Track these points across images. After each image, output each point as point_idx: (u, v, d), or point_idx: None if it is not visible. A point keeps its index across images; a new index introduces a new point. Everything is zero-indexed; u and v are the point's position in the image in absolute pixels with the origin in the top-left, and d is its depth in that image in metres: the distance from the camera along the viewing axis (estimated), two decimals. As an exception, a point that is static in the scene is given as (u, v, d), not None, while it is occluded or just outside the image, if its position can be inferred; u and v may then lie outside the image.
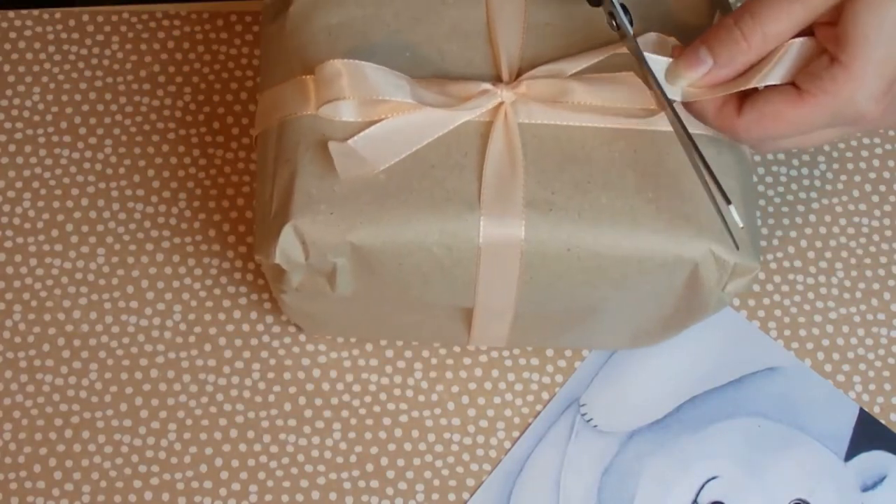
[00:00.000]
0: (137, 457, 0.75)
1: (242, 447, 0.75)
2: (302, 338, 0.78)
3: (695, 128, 0.66)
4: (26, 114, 0.82)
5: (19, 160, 0.81)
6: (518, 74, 0.68)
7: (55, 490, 0.74)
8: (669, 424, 0.76)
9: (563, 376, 0.77)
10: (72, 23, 0.85)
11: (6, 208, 0.80)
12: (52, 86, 0.83)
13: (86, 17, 0.85)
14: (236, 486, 0.74)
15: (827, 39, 0.61)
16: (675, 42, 0.66)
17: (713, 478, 0.75)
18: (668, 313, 0.71)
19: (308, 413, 0.76)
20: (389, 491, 0.75)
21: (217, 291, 0.78)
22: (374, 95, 0.65)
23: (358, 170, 0.65)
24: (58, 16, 0.85)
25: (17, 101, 0.83)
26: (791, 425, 0.76)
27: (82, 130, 0.82)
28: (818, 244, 0.81)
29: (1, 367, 0.76)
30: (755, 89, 0.63)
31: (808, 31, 0.62)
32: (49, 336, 0.77)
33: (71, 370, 0.76)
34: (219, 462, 0.75)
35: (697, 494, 0.75)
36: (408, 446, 0.75)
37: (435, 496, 0.75)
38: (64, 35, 0.84)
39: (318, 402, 0.76)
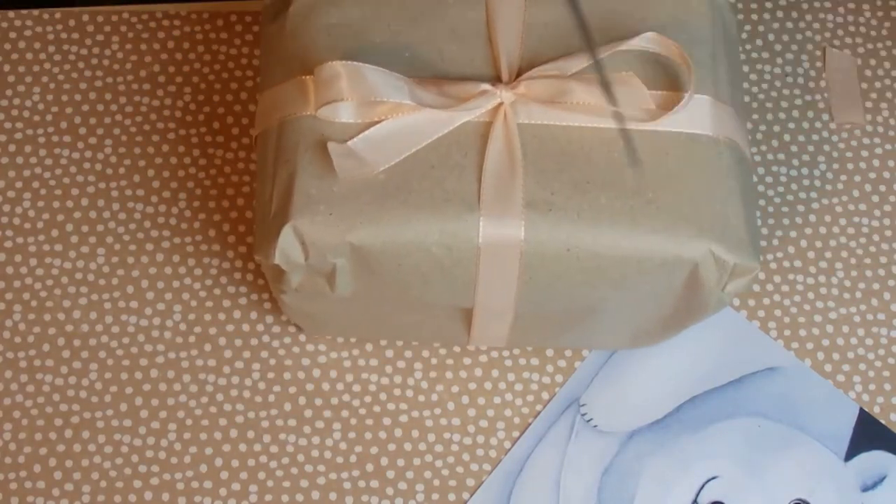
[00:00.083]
0: (137, 457, 0.75)
1: (242, 447, 0.75)
2: (302, 338, 0.78)
3: (694, 127, 0.66)
4: (26, 114, 0.82)
5: (19, 160, 0.81)
6: (517, 75, 0.68)
7: (55, 490, 0.74)
8: (669, 424, 0.76)
9: (563, 376, 0.77)
10: (72, 23, 0.85)
11: (6, 208, 0.80)
12: (52, 86, 0.83)
13: (86, 17, 0.85)
14: (236, 486, 0.74)
15: None
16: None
17: (713, 478, 0.75)
18: (667, 313, 0.71)
19: (308, 413, 0.76)
20: (389, 491, 0.75)
21: (217, 291, 0.78)
22: (373, 97, 0.65)
23: (357, 171, 0.65)
24: (58, 16, 0.85)
25: (17, 101, 0.83)
26: (791, 425, 0.76)
27: (82, 130, 0.82)
28: (818, 244, 0.81)
29: (1, 367, 0.76)
30: None
31: None
32: (49, 336, 0.77)
33: (71, 370, 0.76)
34: (219, 462, 0.75)
35: (697, 494, 0.75)
36: (408, 446, 0.75)
37: (435, 496, 0.75)
38: (64, 35, 0.84)
39: (318, 402, 0.76)
